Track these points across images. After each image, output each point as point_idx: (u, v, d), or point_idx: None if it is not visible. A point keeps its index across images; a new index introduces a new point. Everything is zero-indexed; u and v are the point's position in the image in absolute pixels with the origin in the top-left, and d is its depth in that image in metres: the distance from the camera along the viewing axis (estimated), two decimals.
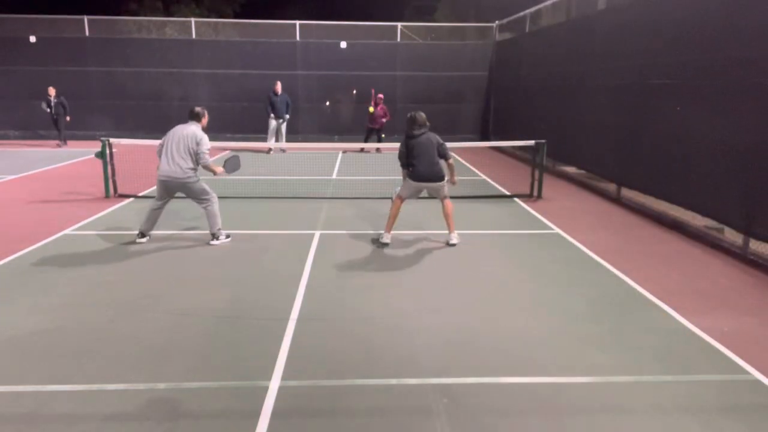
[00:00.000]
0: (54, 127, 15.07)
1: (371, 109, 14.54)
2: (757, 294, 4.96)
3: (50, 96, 14.71)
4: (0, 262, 5.56)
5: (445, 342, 3.94)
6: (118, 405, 3.12)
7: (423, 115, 6.21)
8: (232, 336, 4.00)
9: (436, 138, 6.18)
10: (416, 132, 6.14)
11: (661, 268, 5.60)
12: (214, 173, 6.23)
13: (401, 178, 6.43)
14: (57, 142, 15.06)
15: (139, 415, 3.04)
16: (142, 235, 6.32)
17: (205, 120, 6.48)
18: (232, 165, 6.37)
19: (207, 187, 6.25)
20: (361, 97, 16.86)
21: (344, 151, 14.48)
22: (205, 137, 6.23)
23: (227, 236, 6.36)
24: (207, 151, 6.13)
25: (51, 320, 4.21)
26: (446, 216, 6.37)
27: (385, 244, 6.23)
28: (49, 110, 14.78)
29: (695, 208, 6.93)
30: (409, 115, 6.26)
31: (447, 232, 6.43)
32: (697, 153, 6.81)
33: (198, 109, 6.45)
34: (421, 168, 6.06)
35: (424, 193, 6.50)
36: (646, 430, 2.97)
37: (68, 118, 14.92)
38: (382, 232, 6.41)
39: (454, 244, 6.27)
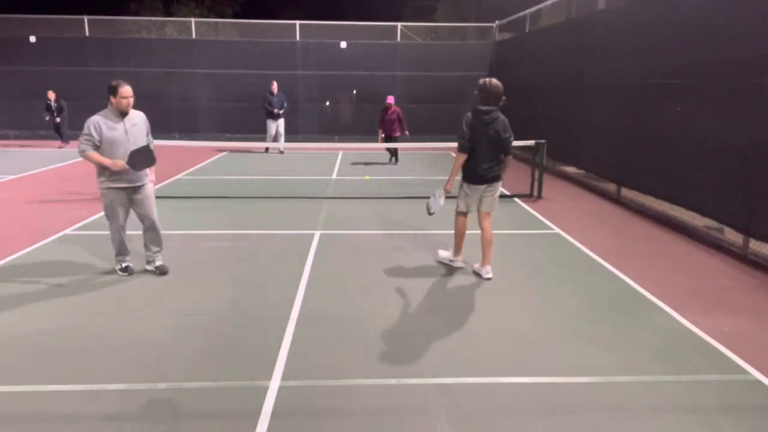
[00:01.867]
0: (56, 131, 15.06)
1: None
2: (757, 294, 4.96)
3: (50, 99, 14.71)
4: (0, 262, 5.56)
5: (445, 342, 3.94)
6: (118, 405, 3.12)
7: (500, 85, 4.77)
8: (232, 336, 4.00)
9: (507, 124, 4.93)
10: (486, 110, 4.78)
11: (661, 268, 5.60)
12: (106, 167, 4.78)
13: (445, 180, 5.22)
14: (59, 143, 15.07)
15: (139, 415, 3.04)
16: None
17: (114, 98, 4.78)
18: (137, 158, 4.83)
19: (103, 201, 5.05)
20: (361, 97, 16.87)
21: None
22: (87, 122, 4.75)
23: (123, 269, 5.26)
24: (81, 140, 4.75)
25: (51, 320, 4.21)
26: (487, 242, 5.17)
27: (459, 269, 5.36)
28: (49, 116, 14.79)
29: (695, 208, 6.92)
30: (481, 82, 4.84)
31: (454, 252, 5.52)
32: (697, 153, 6.81)
33: (112, 82, 4.82)
34: (484, 164, 4.88)
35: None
36: (646, 430, 2.97)
37: (58, 120, 14.87)
38: (448, 253, 5.61)
39: (489, 278, 5.16)
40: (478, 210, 5.20)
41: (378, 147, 14.45)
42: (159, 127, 16.10)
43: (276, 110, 14.09)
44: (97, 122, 4.76)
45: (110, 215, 5.07)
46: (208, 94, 16.43)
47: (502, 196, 9.38)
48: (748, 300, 4.81)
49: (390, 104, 12.05)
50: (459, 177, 5.17)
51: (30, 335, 3.97)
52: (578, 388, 3.35)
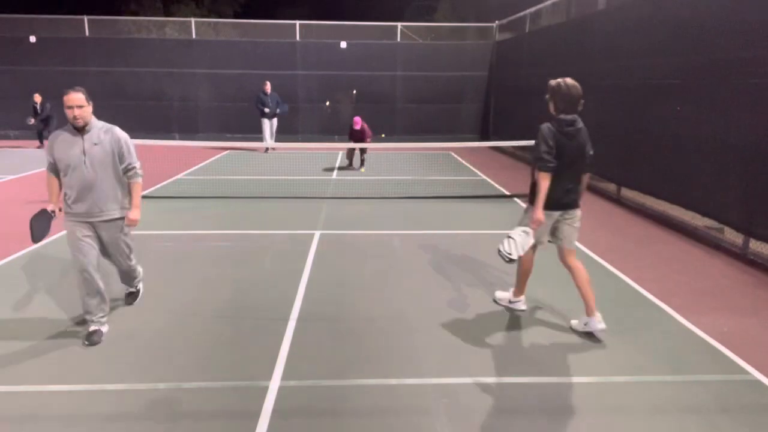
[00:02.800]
0: (43, 132, 14.68)
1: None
2: (758, 294, 4.96)
3: (36, 102, 14.44)
4: (0, 262, 5.56)
5: (445, 342, 3.94)
6: (118, 405, 3.12)
7: (578, 86, 3.88)
8: (232, 336, 4.00)
9: (588, 136, 4.04)
10: (570, 120, 3.88)
11: (661, 268, 5.60)
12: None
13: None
14: (38, 144, 14.83)
15: (139, 415, 3.04)
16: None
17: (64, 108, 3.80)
18: (35, 225, 3.92)
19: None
20: (360, 97, 16.87)
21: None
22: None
23: (87, 336, 3.85)
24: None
25: (51, 320, 4.21)
26: (585, 282, 4.12)
27: (522, 311, 4.47)
28: (33, 121, 14.41)
29: (695, 208, 6.92)
30: (554, 84, 3.90)
31: (516, 292, 4.54)
32: (697, 153, 6.81)
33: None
34: (561, 186, 3.91)
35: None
36: (646, 430, 2.97)
37: (32, 121, 14.43)
38: (507, 294, 4.64)
39: (604, 329, 4.02)
40: (559, 246, 4.23)
41: (378, 147, 14.44)
42: (159, 127, 16.24)
43: (267, 109, 14.18)
44: (51, 139, 3.83)
45: (72, 252, 3.86)
46: (208, 94, 16.43)
47: (503, 196, 9.44)
48: (748, 300, 4.81)
49: (356, 128, 11.67)
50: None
51: (30, 335, 3.97)
52: (578, 388, 3.35)
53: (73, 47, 16.06)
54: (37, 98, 14.53)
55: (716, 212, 6.52)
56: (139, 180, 4.07)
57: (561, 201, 4.00)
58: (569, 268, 4.20)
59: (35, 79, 15.91)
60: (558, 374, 3.51)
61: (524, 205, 8.49)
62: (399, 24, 17.04)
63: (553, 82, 3.92)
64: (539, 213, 3.91)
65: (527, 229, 4.00)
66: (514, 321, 4.32)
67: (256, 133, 14.91)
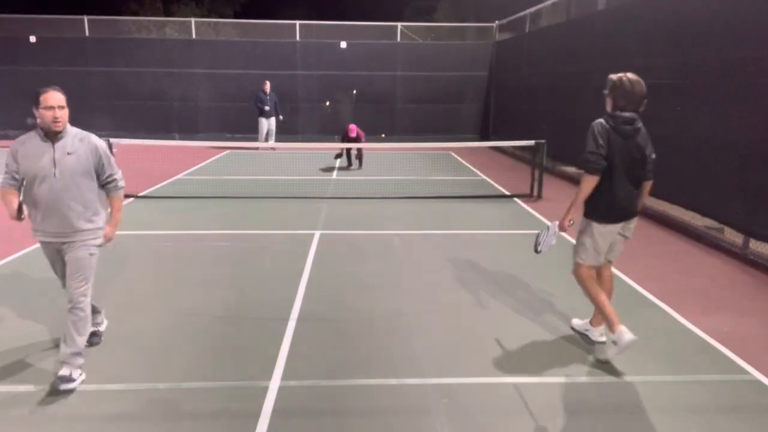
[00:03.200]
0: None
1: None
2: (757, 294, 4.96)
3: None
4: (0, 262, 5.56)
5: (445, 342, 3.94)
6: (118, 405, 3.12)
7: (642, 82, 3.49)
8: (232, 336, 4.00)
9: (649, 138, 3.60)
10: (629, 118, 3.47)
11: (661, 268, 5.60)
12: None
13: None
14: None
15: (139, 415, 3.04)
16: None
17: (36, 110, 3.25)
18: None
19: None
20: (361, 97, 16.87)
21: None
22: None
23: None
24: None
25: (51, 320, 4.21)
26: (607, 295, 3.77)
27: (614, 343, 3.58)
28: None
29: (695, 208, 6.92)
30: (616, 78, 3.52)
31: (598, 321, 3.90)
32: (697, 153, 6.81)
33: (38, 89, 3.27)
34: (622, 193, 3.50)
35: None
36: (646, 430, 2.97)
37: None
38: (582, 322, 4.08)
39: (603, 342, 3.84)
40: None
41: (378, 147, 14.43)
42: (159, 127, 16.24)
43: (267, 108, 14.25)
44: (15, 147, 3.31)
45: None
46: (208, 94, 16.43)
47: (502, 196, 9.44)
48: (747, 300, 4.81)
49: (352, 135, 11.50)
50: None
51: (30, 335, 3.97)
52: (578, 388, 3.35)
53: (73, 47, 16.05)
54: None
55: (716, 212, 6.52)
56: (121, 193, 3.63)
57: (621, 211, 3.53)
58: (601, 277, 3.84)
59: (35, 79, 15.89)
60: (558, 374, 3.51)
61: (524, 205, 8.55)
62: (399, 24, 17.03)
63: (614, 76, 3.52)
64: (568, 219, 3.64)
65: (554, 228, 3.76)
66: (513, 321, 4.32)
67: (257, 133, 14.91)
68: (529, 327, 4.21)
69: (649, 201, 8.09)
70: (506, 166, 12.85)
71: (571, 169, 11.37)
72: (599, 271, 3.85)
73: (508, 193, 9.42)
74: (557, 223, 3.75)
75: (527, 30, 13.94)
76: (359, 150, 12.01)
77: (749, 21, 5.99)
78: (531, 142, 9.23)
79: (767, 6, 5.77)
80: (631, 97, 3.45)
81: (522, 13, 14.08)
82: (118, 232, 6.61)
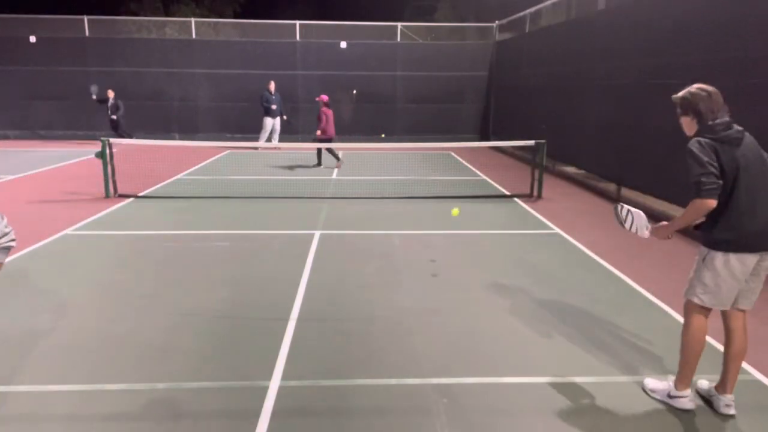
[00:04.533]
0: (114, 129, 14.58)
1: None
2: None
3: (109, 98, 14.42)
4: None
5: (445, 342, 3.94)
6: (118, 405, 3.12)
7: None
8: (232, 336, 4.00)
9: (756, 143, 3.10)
10: (728, 123, 3.07)
11: (661, 268, 5.60)
12: None
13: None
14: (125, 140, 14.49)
15: (139, 415, 3.04)
16: None
17: None
18: None
19: None
20: (361, 97, 16.87)
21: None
22: None
23: None
24: None
25: (51, 320, 4.21)
26: (737, 354, 3.12)
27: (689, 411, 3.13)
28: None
29: None
30: (688, 93, 3.26)
31: (680, 380, 3.18)
32: None
33: None
34: (757, 209, 2.89)
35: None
36: (646, 430, 2.97)
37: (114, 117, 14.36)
38: (665, 385, 3.26)
39: (732, 415, 3.08)
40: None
41: (378, 147, 14.44)
42: (159, 127, 16.25)
43: (274, 107, 14.36)
44: None
45: None
46: (208, 94, 16.43)
47: (502, 196, 9.45)
48: None
49: (327, 102, 11.33)
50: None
51: (30, 335, 3.97)
52: (578, 388, 3.35)
53: (73, 47, 16.06)
54: (110, 94, 14.47)
55: None
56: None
57: (760, 237, 2.89)
58: (729, 329, 3.12)
59: (35, 79, 15.91)
60: (558, 374, 3.51)
61: (524, 205, 8.54)
62: (399, 24, 17.04)
63: (680, 94, 3.23)
64: (667, 232, 3.21)
65: (646, 222, 3.33)
66: (513, 321, 4.32)
67: (258, 133, 14.91)
68: (529, 327, 4.21)
69: (649, 201, 8.10)
70: (506, 166, 12.85)
71: (571, 169, 11.38)
72: (727, 322, 3.12)
73: (508, 193, 9.42)
74: (648, 223, 3.35)
75: (527, 30, 13.94)
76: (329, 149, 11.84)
77: (749, 21, 5.98)
78: (531, 142, 9.23)
79: (767, 6, 5.77)
80: (715, 101, 3.06)
81: (522, 13, 14.08)
82: (117, 232, 6.66)
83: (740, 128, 3.05)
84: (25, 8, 16.75)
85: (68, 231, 6.69)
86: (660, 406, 3.18)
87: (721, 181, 2.85)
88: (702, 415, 3.10)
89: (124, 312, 4.39)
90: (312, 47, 16.49)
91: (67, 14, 16.31)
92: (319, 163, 12.10)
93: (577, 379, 3.45)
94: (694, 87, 3.15)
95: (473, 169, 12.21)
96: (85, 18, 16.17)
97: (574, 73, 10.60)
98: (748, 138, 3.06)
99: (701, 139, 2.99)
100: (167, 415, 3.03)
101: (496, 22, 16.67)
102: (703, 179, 2.84)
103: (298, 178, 10.72)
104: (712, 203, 2.85)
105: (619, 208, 3.45)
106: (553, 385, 3.39)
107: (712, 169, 2.85)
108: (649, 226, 3.33)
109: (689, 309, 3.13)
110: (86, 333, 4.01)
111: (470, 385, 3.37)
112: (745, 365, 3.62)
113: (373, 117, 16.80)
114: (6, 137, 16.37)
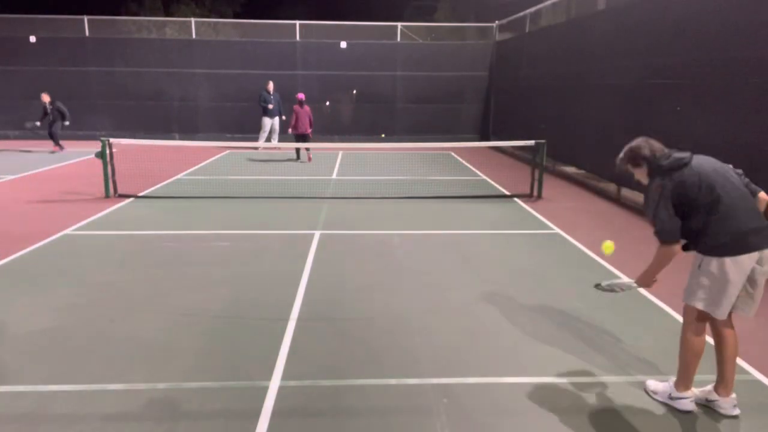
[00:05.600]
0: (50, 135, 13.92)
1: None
2: None
3: (45, 102, 13.67)
4: (0, 262, 5.56)
5: (445, 342, 3.94)
6: (118, 405, 3.12)
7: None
8: (232, 336, 4.00)
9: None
10: (669, 153, 3.10)
11: None
12: None
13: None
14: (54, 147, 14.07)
15: (139, 415, 3.04)
16: None
17: None
18: None
19: None
20: (361, 97, 16.88)
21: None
22: None
23: None
24: None
25: (51, 320, 4.21)
26: (731, 357, 3.11)
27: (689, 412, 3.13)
28: (39, 123, 13.70)
29: None
30: (636, 147, 3.20)
31: (680, 382, 3.17)
32: (696, 153, 6.80)
33: None
34: (743, 216, 2.89)
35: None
36: (647, 430, 2.97)
37: (38, 124, 13.69)
38: (666, 386, 3.26)
39: (736, 415, 3.08)
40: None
41: (378, 147, 14.44)
42: (159, 127, 16.25)
43: (271, 106, 14.41)
44: None
45: None
46: (208, 94, 16.44)
47: (502, 196, 9.44)
48: None
49: (303, 100, 12.35)
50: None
51: (30, 335, 3.97)
52: (578, 388, 3.35)
53: (73, 47, 16.06)
54: (45, 98, 13.79)
55: None
56: None
57: (746, 236, 2.87)
58: (721, 335, 3.11)
59: (35, 79, 15.91)
60: (558, 374, 3.51)
61: (524, 205, 8.54)
62: (399, 24, 17.04)
63: (621, 156, 3.27)
64: (648, 278, 3.34)
65: (625, 281, 3.48)
66: (513, 321, 4.32)
67: (257, 133, 14.91)
68: (529, 327, 4.21)
69: None
70: (506, 166, 12.85)
71: (571, 169, 11.38)
72: (718, 329, 3.10)
73: (508, 193, 9.42)
74: (633, 282, 3.45)
75: (527, 30, 13.94)
76: (306, 141, 12.58)
77: (749, 21, 5.98)
78: (531, 142, 9.23)
79: (766, 6, 5.77)
80: (654, 145, 3.14)
81: (522, 13, 14.07)
82: (117, 232, 6.66)
83: (683, 154, 3.07)
84: (25, 8, 16.77)
85: (68, 231, 6.69)
86: (660, 407, 3.18)
87: (678, 220, 2.95)
88: (702, 415, 3.10)
89: (124, 312, 4.39)
90: (312, 47, 16.50)
91: (67, 14, 16.32)
92: (297, 158, 13.07)
93: (577, 379, 3.45)
94: (638, 142, 3.23)
95: (473, 169, 12.21)
96: (85, 18, 16.17)
97: (574, 73, 10.60)
98: (697, 157, 3.10)
99: (660, 183, 3.00)
100: (167, 415, 3.03)
101: (496, 22, 16.67)
102: (667, 227, 2.96)
103: (298, 178, 10.72)
104: (677, 247, 3.01)
105: (603, 287, 3.56)
106: (553, 385, 3.39)
107: (665, 213, 2.94)
108: (632, 281, 3.49)
109: (689, 313, 3.14)
110: (86, 333, 4.02)
111: (470, 385, 3.37)
112: (745, 365, 3.62)
113: (373, 117, 16.81)
114: (6, 137, 16.37)
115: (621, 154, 3.25)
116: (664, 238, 2.99)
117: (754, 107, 5.83)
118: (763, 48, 5.75)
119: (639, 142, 3.18)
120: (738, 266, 2.87)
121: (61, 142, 14.13)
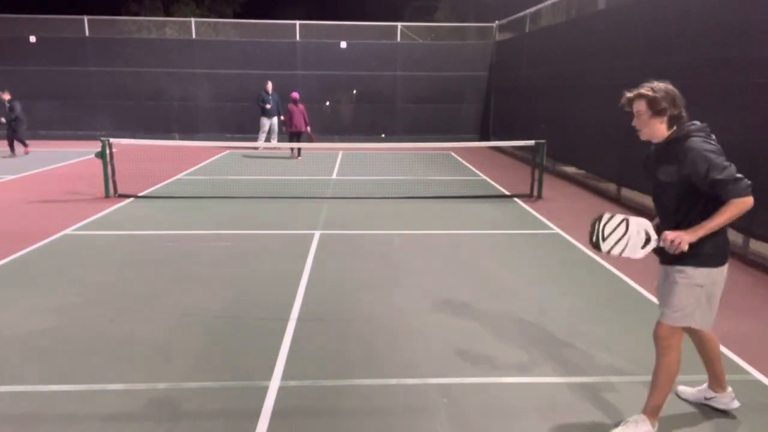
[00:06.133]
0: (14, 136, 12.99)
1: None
2: (757, 294, 4.96)
3: (4, 100, 12.82)
4: (0, 262, 5.56)
5: (445, 342, 3.94)
6: (118, 405, 3.12)
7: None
8: (232, 336, 4.00)
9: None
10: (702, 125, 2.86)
11: None
12: None
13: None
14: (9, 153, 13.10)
15: (139, 415, 3.03)
16: None
17: None
18: None
19: None
20: (360, 97, 16.88)
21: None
22: None
23: None
24: None
25: (51, 320, 4.21)
26: (718, 354, 3.01)
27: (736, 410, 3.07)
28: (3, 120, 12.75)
29: None
30: (660, 87, 2.75)
31: (653, 413, 2.89)
32: None
33: None
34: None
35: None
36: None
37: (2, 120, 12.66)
38: (699, 390, 3.16)
39: (736, 408, 3.08)
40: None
41: (378, 147, 14.44)
42: (159, 127, 16.25)
43: (269, 106, 14.46)
44: None
45: None
46: (208, 94, 16.44)
47: (503, 196, 9.44)
48: (748, 300, 4.80)
49: (297, 99, 12.94)
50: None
51: (30, 335, 3.97)
52: (578, 388, 3.35)
53: (73, 47, 16.07)
54: (6, 96, 12.89)
55: None
56: None
57: (728, 243, 2.75)
58: (702, 339, 2.95)
59: (35, 79, 15.91)
60: (558, 374, 3.50)
61: (524, 205, 8.54)
62: (399, 24, 17.04)
63: (662, 92, 2.74)
64: (694, 235, 2.55)
65: (653, 241, 2.70)
66: (513, 321, 4.32)
67: (257, 133, 14.92)
68: (529, 326, 4.21)
69: (649, 201, 8.08)
70: (506, 166, 12.85)
71: (571, 169, 11.38)
72: (698, 334, 2.94)
73: (508, 193, 9.41)
74: (650, 227, 2.76)
75: (527, 30, 13.94)
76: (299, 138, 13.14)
77: (750, 21, 5.98)
78: (531, 142, 9.23)
79: (766, 6, 5.76)
80: (681, 101, 2.77)
81: (522, 13, 14.07)
82: (117, 232, 6.66)
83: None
84: (25, 8, 16.76)
85: (68, 231, 6.69)
86: (668, 408, 3.17)
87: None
88: (702, 415, 3.10)
89: (124, 312, 4.39)
90: (312, 47, 16.50)
91: (67, 14, 16.32)
92: (293, 155, 13.58)
93: (577, 379, 3.45)
94: (658, 83, 2.76)
95: (473, 169, 12.21)
96: (85, 18, 16.17)
97: (574, 73, 10.60)
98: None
99: (705, 138, 2.76)
100: (167, 415, 3.03)
101: (496, 22, 16.67)
102: (738, 174, 2.58)
103: (298, 178, 10.72)
104: (751, 200, 2.57)
105: (599, 228, 2.89)
106: (553, 385, 3.39)
107: (728, 162, 2.62)
108: (651, 234, 2.72)
109: (674, 335, 2.77)
110: (86, 333, 4.01)
111: (470, 385, 3.37)
112: (745, 365, 3.62)
113: (373, 117, 16.82)
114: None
115: (646, 89, 2.73)
116: (745, 186, 2.56)
117: (755, 108, 5.83)
118: (764, 48, 5.74)
119: (676, 91, 2.75)
120: (721, 277, 2.71)
121: (52, 142, 13.20)
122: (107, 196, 8.57)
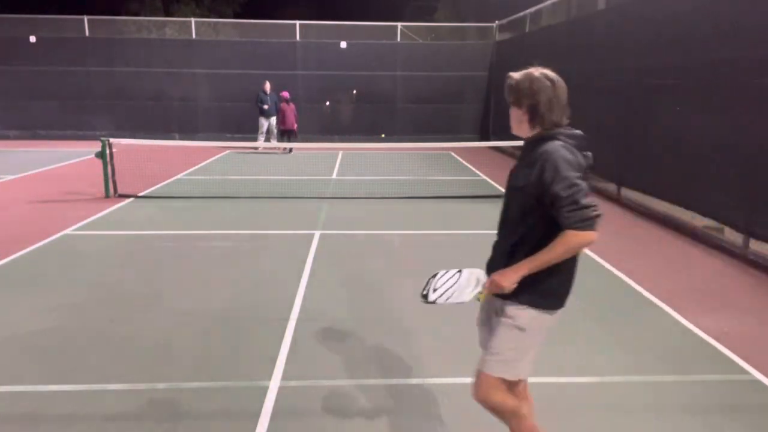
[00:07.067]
0: None
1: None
2: (757, 294, 4.96)
3: None
4: (0, 262, 5.56)
5: (445, 342, 3.94)
6: (118, 405, 3.12)
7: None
8: (232, 336, 4.00)
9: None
10: (578, 133, 2.34)
11: (661, 268, 5.60)
12: None
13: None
14: None
15: (139, 415, 3.03)
16: None
17: None
18: None
19: None
20: (361, 97, 16.88)
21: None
22: None
23: None
24: None
25: (51, 320, 4.21)
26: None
27: None
28: None
29: (695, 208, 6.92)
30: (532, 77, 2.20)
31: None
32: (697, 153, 6.81)
33: None
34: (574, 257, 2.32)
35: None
36: (646, 430, 2.96)
37: None
38: None
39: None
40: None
41: (378, 147, 14.43)
42: (159, 127, 16.25)
43: (266, 106, 14.51)
44: None
45: None
46: (208, 94, 16.44)
47: (502, 196, 9.40)
48: (748, 300, 4.81)
49: (288, 98, 14.15)
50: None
51: (30, 335, 3.97)
52: (578, 388, 3.35)
53: (73, 47, 16.06)
54: None
55: (716, 212, 6.52)
56: None
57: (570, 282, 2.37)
58: (515, 393, 2.57)
59: (35, 79, 15.91)
60: (558, 374, 3.50)
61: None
62: (399, 24, 17.04)
63: (525, 75, 2.22)
64: (517, 275, 2.30)
65: (479, 277, 2.61)
66: None
67: (257, 133, 14.93)
68: None
69: (649, 201, 8.09)
70: (506, 166, 12.78)
71: None
72: (514, 388, 2.57)
73: None
74: (482, 275, 2.59)
75: (527, 30, 13.94)
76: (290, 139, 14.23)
77: (749, 21, 5.98)
78: None
79: (766, 6, 5.77)
80: (562, 102, 2.24)
81: (522, 13, 14.08)
82: (117, 232, 6.66)
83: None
84: (26, 8, 16.76)
85: (68, 231, 6.69)
86: (658, 409, 3.17)
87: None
88: (702, 415, 3.10)
89: (124, 312, 4.39)
90: (312, 47, 16.49)
91: (67, 14, 16.32)
92: (286, 151, 14.37)
93: (577, 379, 3.45)
94: (543, 73, 2.21)
95: (473, 169, 12.20)
96: (85, 18, 16.17)
97: (574, 73, 10.57)
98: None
99: (565, 145, 2.21)
100: (167, 415, 3.03)
101: (496, 22, 16.67)
102: (584, 201, 2.14)
103: (298, 178, 10.72)
104: (594, 236, 2.14)
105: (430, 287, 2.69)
106: (553, 385, 3.39)
107: (582, 183, 2.14)
108: (481, 279, 2.54)
109: (492, 389, 2.42)
110: (86, 333, 4.01)
111: (470, 385, 3.36)
112: (745, 365, 3.62)
113: (373, 117, 16.81)
114: (6, 137, 16.37)
115: (513, 74, 2.25)
116: (585, 217, 2.15)
117: (756, 108, 5.83)
118: (764, 48, 5.74)
119: (546, 80, 2.18)
120: (550, 322, 2.40)
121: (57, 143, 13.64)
122: (107, 196, 8.56)
